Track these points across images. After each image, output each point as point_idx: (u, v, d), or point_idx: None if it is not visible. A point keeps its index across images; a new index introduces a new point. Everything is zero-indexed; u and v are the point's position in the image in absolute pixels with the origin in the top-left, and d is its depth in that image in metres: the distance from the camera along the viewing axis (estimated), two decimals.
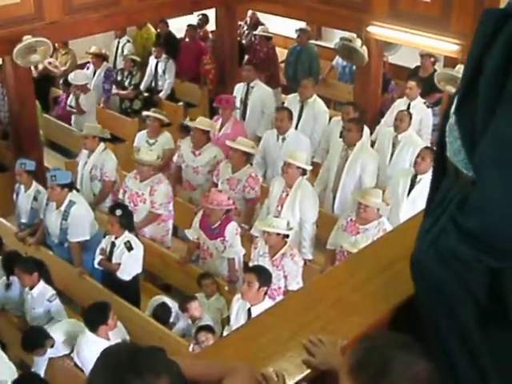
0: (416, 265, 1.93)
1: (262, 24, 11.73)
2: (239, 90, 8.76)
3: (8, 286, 6.18)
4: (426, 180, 6.43)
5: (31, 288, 5.84)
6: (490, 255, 1.65)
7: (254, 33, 11.32)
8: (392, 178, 6.96)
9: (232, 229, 6.16)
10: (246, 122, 8.58)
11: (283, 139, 7.49)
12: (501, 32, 1.63)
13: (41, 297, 5.85)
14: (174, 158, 7.59)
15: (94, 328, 5.19)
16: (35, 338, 5.39)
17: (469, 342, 1.82)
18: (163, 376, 1.46)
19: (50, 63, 10.07)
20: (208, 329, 5.34)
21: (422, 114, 8.03)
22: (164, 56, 10.21)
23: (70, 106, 9.22)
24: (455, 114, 1.78)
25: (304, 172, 6.53)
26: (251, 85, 8.68)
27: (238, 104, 8.55)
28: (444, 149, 1.87)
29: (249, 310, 5.23)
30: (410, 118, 7.37)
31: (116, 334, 5.35)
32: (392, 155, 7.37)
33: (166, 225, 6.96)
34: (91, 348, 5.08)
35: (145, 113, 8.10)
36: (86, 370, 5.25)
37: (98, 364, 1.54)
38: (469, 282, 1.75)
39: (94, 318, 5.23)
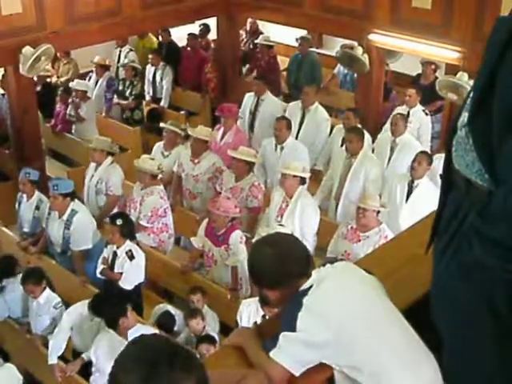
0: (437, 287, 1.89)
1: (262, 32, 11.76)
2: (248, 100, 8.71)
3: (1, 289, 6.16)
4: (423, 185, 6.43)
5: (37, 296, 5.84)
6: None
7: (256, 41, 11.33)
8: (388, 182, 6.92)
9: (236, 237, 6.14)
10: (254, 133, 8.56)
11: (281, 148, 7.49)
12: None
13: (47, 304, 5.84)
14: (174, 168, 7.56)
15: (114, 322, 5.08)
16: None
17: (484, 357, 1.78)
18: (192, 377, 1.47)
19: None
20: (209, 340, 5.30)
21: (421, 122, 8.04)
22: (161, 63, 10.21)
23: (70, 115, 9.24)
24: (468, 126, 1.70)
25: (303, 181, 6.48)
26: (261, 97, 8.63)
27: (246, 115, 8.54)
28: (451, 162, 1.81)
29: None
30: (405, 120, 7.37)
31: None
32: (390, 159, 7.37)
33: (156, 237, 6.88)
34: (113, 345, 4.97)
35: (161, 124, 8.06)
36: (99, 369, 5.17)
37: (133, 347, 1.52)
38: (492, 295, 1.67)
39: (113, 312, 5.12)
